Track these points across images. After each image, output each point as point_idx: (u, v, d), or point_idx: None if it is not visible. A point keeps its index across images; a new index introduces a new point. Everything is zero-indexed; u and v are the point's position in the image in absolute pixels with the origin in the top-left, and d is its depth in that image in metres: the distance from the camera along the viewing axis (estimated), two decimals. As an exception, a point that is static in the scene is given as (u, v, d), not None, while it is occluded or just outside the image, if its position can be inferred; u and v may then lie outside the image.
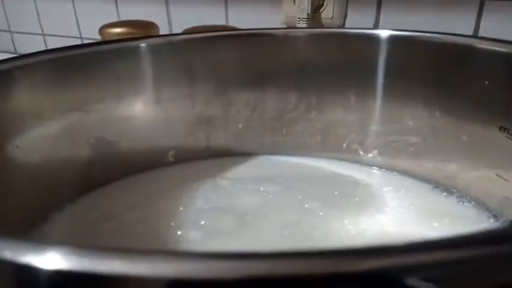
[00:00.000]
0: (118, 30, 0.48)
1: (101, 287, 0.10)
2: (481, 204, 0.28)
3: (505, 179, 0.27)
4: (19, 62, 0.27)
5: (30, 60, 0.27)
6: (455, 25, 0.40)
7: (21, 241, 0.11)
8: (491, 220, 0.28)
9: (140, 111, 0.33)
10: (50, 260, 0.10)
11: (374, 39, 0.31)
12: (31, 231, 0.27)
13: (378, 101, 0.32)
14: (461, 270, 0.10)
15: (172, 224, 0.27)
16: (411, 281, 0.09)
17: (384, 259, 0.10)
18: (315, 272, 0.10)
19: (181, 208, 0.29)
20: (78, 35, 0.69)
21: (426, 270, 0.10)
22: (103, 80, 0.31)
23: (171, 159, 0.35)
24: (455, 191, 0.30)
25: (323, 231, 0.26)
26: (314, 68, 0.33)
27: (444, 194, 0.30)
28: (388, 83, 0.31)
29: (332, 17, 0.46)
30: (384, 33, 0.30)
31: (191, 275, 0.10)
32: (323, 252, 0.10)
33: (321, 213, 0.28)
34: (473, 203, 0.29)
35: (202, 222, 0.27)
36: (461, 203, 0.29)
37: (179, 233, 0.26)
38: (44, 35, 0.73)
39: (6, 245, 0.11)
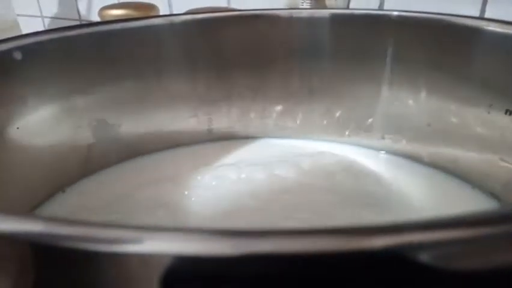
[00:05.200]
0: (117, 12, 0.47)
1: (103, 260, 0.10)
2: (484, 188, 0.28)
3: (509, 163, 0.27)
4: (20, 42, 0.26)
5: (32, 40, 0.27)
6: (460, 8, 0.40)
7: (23, 217, 0.11)
8: (494, 204, 0.27)
9: (142, 94, 0.32)
10: (56, 234, 0.10)
11: (382, 21, 0.30)
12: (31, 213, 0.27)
13: (384, 84, 0.32)
14: (476, 247, 0.10)
15: (172, 207, 0.27)
16: (424, 258, 0.09)
17: (397, 236, 0.09)
18: (326, 249, 0.09)
19: (182, 191, 0.29)
20: (77, 17, 0.68)
21: (440, 247, 0.09)
22: (105, 61, 0.30)
23: (172, 143, 0.35)
24: (458, 174, 0.30)
25: (325, 215, 0.26)
26: (319, 50, 0.33)
27: (448, 177, 0.30)
28: (395, 65, 0.31)
29: (336, -1, 0.45)
30: (392, 14, 0.30)
31: (199, 252, 0.10)
32: (334, 230, 0.10)
33: (324, 197, 0.28)
34: (476, 187, 0.29)
35: (203, 206, 0.27)
36: (464, 187, 0.29)
37: (179, 215, 0.26)
38: (42, 17, 0.72)
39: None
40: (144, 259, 0.10)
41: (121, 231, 0.10)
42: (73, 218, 0.10)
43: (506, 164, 0.27)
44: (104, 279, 0.11)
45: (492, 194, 0.28)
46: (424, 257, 0.10)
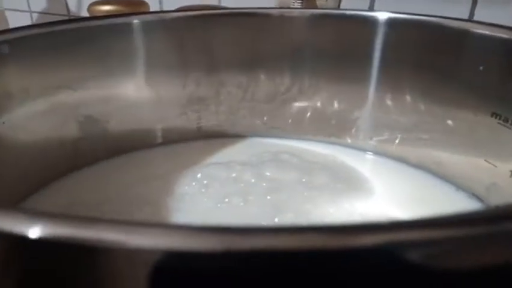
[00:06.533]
0: (107, 7, 0.47)
1: (89, 256, 0.10)
2: (468, 190, 0.29)
3: (493, 165, 0.27)
4: (7, 36, 0.26)
5: (19, 34, 0.26)
6: (449, 12, 0.40)
7: (8, 210, 0.10)
8: (477, 206, 0.28)
9: (130, 90, 0.32)
10: (42, 229, 0.10)
11: (372, 22, 0.30)
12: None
13: (372, 85, 0.32)
14: (462, 247, 0.10)
15: (159, 205, 0.27)
16: (412, 256, 0.09)
17: (385, 235, 0.10)
18: (313, 247, 0.09)
19: (171, 189, 0.29)
20: (65, 13, 0.67)
21: (428, 246, 0.10)
22: (93, 57, 0.30)
23: (161, 140, 0.35)
24: (443, 176, 0.30)
25: (310, 214, 0.26)
26: (309, 50, 0.33)
27: (433, 179, 0.30)
28: (383, 66, 0.31)
29: (327, 0, 0.45)
30: (382, 15, 0.30)
31: (184, 247, 0.09)
32: (322, 227, 0.10)
33: (309, 196, 0.28)
34: (460, 188, 0.29)
35: (191, 204, 0.27)
36: (448, 188, 0.29)
37: (166, 213, 0.26)
38: (31, 12, 0.71)
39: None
40: (130, 254, 0.10)
41: (107, 226, 0.10)
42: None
43: (490, 166, 0.27)
44: (89, 275, 0.11)
45: (475, 196, 0.28)
46: (412, 256, 0.10)
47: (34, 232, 0.10)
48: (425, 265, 0.10)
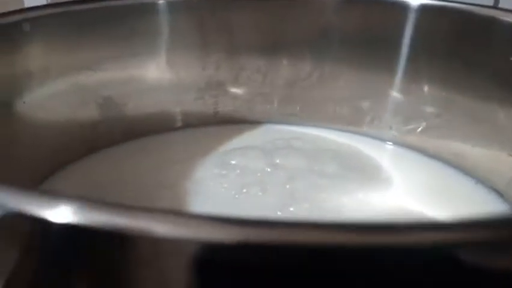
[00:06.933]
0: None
1: (114, 242, 0.10)
2: (488, 184, 0.28)
3: (516, 160, 0.26)
4: (29, 14, 0.26)
5: (41, 13, 0.26)
6: None
7: (33, 193, 0.10)
8: (498, 200, 0.27)
9: (151, 72, 0.32)
10: (67, 213, 0.10)
11: (402, 7, 0.30)
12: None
13: (398, 73, 0.31)
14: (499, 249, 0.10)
15: (176, 189, 0.27)
16: (463, 257, 0.09)
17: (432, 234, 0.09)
18: (339, 243, 0.09)
19: (188, 174, 0.29)
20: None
21: (472, 247, 0.09)
22: (115, 38, 0.30)
23: (178, 124, 0.35)
24: (463, 169, 0.29)
25: (329, 205, 0.26)
26: (333, 35, 0.32)
27: (453, 171, 0.30)
28: (411, 54, 0.30)
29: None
30: (413, 1, 0.29)
31: (212, 238, 0.09)
32: (346, 225, 0.09)
33: (327, 187, 0.27)
34: (479, 182, 0.28)
35: (207, 189, 0.27)
36: (467, 181, 0.29)
37: (184, 199, 0.26)
38: (47, -10, 0.71)
39: (18, 197, 0.10)
40: (155, 243, 0.10)
41: (132, 213, 0.10)
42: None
43: (513, 160, 0.27)
44: (113, 262, 0.10)
45: (495, 190, 0.28)
46: (448, 257, 0.09)
47: (62, 217, 0.10)
48: (465, 266, 0.10)
